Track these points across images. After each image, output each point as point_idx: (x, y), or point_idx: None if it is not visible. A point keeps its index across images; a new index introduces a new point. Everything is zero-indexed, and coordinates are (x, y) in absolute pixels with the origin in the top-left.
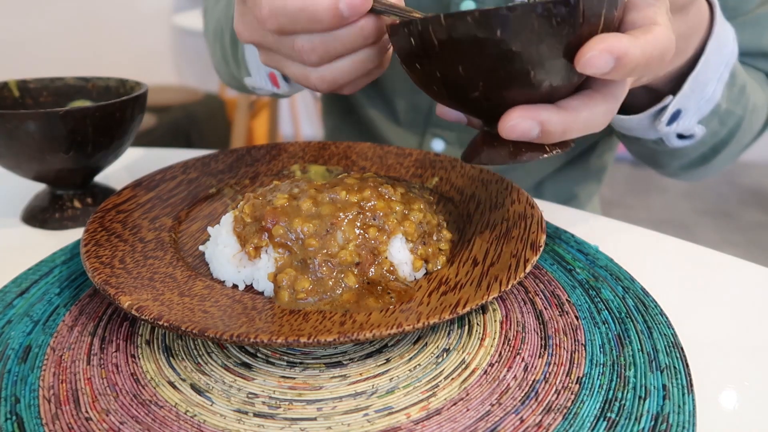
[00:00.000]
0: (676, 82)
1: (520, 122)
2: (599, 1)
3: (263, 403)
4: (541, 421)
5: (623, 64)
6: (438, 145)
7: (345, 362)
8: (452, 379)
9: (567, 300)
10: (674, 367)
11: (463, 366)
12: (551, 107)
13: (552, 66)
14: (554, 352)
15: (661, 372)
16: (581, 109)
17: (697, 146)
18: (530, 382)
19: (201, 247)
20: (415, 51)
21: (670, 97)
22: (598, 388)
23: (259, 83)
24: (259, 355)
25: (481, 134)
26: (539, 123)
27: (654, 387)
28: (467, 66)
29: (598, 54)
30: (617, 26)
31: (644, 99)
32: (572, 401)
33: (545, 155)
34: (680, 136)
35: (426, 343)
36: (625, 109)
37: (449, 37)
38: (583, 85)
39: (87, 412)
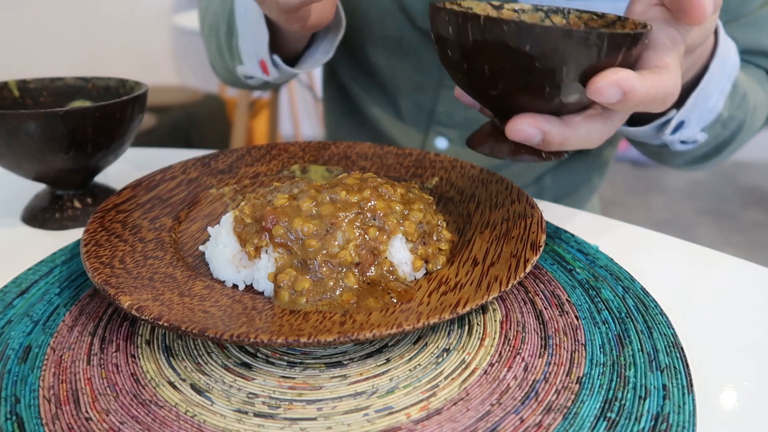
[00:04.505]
0: (681, 97)
1: (526, 128)
2: (622, 37)
3: (263, 403)
4: (541, 421)
5: (628, 98)
6: (442, 143)
7: (345, 362)
8: (452, 379)
9: (567, 300)
10: (674, 367)
11: (463, 366)
12: (555, 120)
13: (567, 87)
14: (554, 352)
15: (661, 372)
16: (581, 126)
17: (699, 147)
18: (530, 382)
19: (201, 247)
20: (450, 39)
21: (674, 111)
22: (598, 388)
23: (250, 70)
24: (259, 355)
25: (491, 125)
26: (542, 132)
27: (654, 387)
28: (493, 67)
29: (608, 85)
30: (633, 62)
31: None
32: (572, 401)
33: (541, 160)
34: (683, 142)
35: (426, 343)
36: (632, 119)
37: (483, 38)
38: (588, 104)
39: (87, 412)
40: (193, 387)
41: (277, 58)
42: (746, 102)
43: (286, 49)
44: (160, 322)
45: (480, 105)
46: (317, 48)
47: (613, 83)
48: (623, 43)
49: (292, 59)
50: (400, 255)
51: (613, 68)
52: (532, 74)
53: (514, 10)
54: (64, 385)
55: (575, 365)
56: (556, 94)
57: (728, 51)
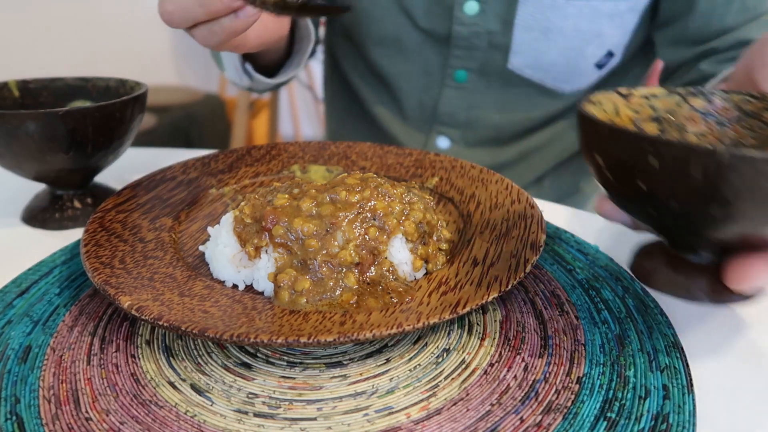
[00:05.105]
0: None
1: (760, 277)
2: None
3: (263, 403)
4: (541, 421)
5: None
6: (443, 143)
7: (345, 362)
8: (452, 379)
9: (567, 300)
10: (674, 367)
11: (463, 366)
12: None
13: None
14: (554, 352)
15: (661, 372)
16: None
17: None
18: (530, 382)
19: (201, 247)
20: (648, 171)
21: None
22: (598, 388)
23: (231, 77)
24: (259, 355)
25: (668, 257)
26: None
27: (654, 387)
28: (720, 208)
29: None
30: None
31: None
32: (572, 401)
33: (744, 300)
34: None
35: (426, 343)
36: None
37: (719, 176)
38: None
39: (87, 412)
40: (193, 387)
41: (249, 67)
42: None
43: (262, 61)
44: (160, 322)
45: (633, 222)
46: (292, 61)
47: None
48: None
49: (277, 68)
50: (400, 255)
51: None
52: (760, 213)
53: (644, 97)
54: (64, 385)
55: (575, 365)
56: None
57: None
